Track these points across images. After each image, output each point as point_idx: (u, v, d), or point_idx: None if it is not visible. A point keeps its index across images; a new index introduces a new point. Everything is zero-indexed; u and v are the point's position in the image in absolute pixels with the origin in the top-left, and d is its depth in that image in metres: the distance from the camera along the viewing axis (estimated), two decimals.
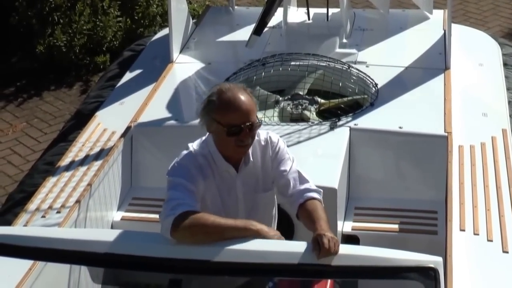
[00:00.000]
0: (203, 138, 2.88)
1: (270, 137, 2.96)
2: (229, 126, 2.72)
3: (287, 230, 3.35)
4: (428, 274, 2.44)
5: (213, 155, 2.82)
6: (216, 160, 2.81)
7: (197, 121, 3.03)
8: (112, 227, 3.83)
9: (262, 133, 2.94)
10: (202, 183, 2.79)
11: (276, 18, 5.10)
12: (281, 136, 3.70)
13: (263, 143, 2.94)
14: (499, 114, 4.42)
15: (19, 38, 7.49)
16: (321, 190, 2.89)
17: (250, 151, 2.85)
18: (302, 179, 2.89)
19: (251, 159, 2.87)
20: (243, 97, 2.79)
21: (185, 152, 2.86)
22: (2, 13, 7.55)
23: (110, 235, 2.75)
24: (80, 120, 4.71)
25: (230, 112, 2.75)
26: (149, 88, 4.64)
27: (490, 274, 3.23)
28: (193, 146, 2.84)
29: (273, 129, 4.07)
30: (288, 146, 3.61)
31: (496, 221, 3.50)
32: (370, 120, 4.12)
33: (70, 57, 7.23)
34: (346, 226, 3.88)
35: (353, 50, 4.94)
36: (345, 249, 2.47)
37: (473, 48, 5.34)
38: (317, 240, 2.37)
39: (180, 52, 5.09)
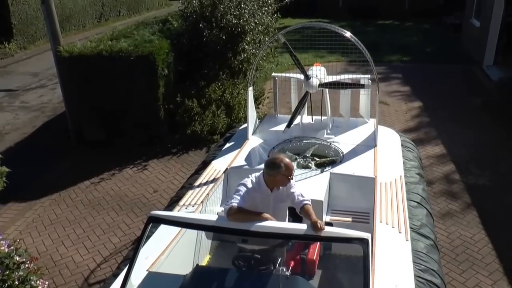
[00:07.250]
0: (258, 174, 3.65)
1: None
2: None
3: (297, 220, 3.83)
4: (363, 240, 2.90)
5: (261, 183, 3.59)
6: (261, 186, 3.57)
7: (256, 167, 4.33)
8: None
9: None
10: (252, 194, 3.45)
11: (297, 120, 6.17)
12: (296, 175, 4.22)
13: None
14: (398, 167, 5.33)
15: (178, 127, 9.30)
16: (310, 199, 3.48)
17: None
18: (302, 195, 3.59)
19: (280, 189, 3.62)
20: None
21: (250, 177, 3.62)
22: (172, 116, 9.16)
23: (215, 218, 3.26)
24: (204, 165, 5.62)
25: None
26: (237, 150, 5.66)
27: (394, 248, 3.75)
28: (253, 175, 3.63)
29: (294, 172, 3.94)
30: (299, 180, 4.54)
31: (401, 219, 4.08)
32: (339, 169, 5.08)
33: (201, 136, 9.13)
34: (326, 218, 4.67)
35: (332, 136, 5.99)
36: (326, 228, 3.00)
37: (387, 136, 6.18)
38: (314, 225, 2.99)
39: (252, 134, 6.08)
